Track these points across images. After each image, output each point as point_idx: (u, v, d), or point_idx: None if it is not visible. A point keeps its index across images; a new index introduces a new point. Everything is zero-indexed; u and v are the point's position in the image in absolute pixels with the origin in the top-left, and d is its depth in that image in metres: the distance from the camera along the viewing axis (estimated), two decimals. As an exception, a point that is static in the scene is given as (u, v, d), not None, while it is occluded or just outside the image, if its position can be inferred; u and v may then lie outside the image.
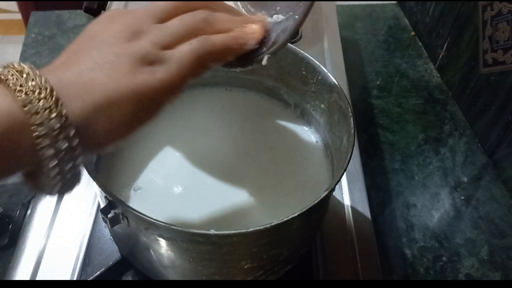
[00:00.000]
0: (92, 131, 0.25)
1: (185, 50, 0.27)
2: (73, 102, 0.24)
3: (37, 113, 0.22)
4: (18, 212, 0.48)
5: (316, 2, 0.77)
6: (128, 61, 0.26)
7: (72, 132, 0.23)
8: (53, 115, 0.23)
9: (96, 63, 0.25)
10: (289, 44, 0.44)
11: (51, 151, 0.23)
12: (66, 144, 0.23)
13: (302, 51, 0.44)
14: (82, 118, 0.24)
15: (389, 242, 0.54)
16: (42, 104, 0.22)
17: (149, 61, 0.26)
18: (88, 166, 0.32)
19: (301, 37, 0.69)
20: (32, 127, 0.22)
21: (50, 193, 0.26)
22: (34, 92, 0.23)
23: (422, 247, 0.53)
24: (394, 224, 0.55)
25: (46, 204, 0.48)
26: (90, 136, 0.25)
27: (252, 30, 0.31)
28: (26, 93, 0.22)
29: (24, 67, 0.24)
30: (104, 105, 0.25)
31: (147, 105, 0.26)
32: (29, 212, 0.48)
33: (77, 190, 0.49)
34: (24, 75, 0.23)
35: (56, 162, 0.24)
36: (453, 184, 0.60)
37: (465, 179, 0.61)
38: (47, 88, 0.23)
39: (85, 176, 0.32)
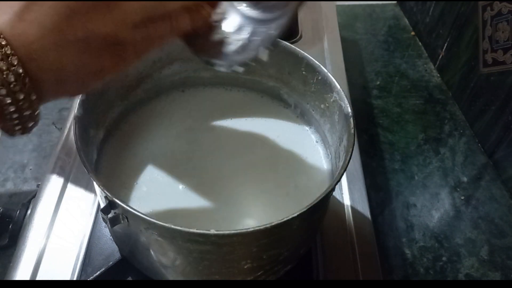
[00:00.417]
0: (42, 60, 0.24)
1: (152, 35, 0.27)
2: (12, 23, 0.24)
3: None
4: (18, 212, 0.48)
5: (316, 2, 0.77)
6: (95, 39, 0.25)
7: (15, 61, 0.23)
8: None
9: (62, 34, 0.25)
10: (289, 44, 0.44)
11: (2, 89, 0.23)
12: (13, 78, 0.23)
13: (302, 51, 0.44)
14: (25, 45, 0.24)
15: (389, 242, 0.54)
16: None
17: None
18: (88, 166, 0.32)
19: (301, 37, 0.69)
20: None
21: (11, 133, 0.26)
22: None
23: (422, 247, 0.53)
24: (394, 224, 0.55)
25: (46, 204, 0.48)
26: (43, 68, 0.25)
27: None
28: None
29: None
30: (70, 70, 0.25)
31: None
32: (29, 212, 0.48)
33: (77, 190, 0.50)
34: None
35: (7, 97, 0.24)
36: (453, 184, 0.60)
37: (465, 179, 0.61)
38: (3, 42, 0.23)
39: (85, 176, 0.32)
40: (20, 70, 0.23)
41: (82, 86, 0.27)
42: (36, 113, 0.26)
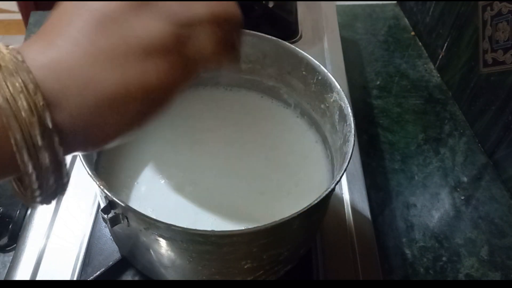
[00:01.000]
0: (88, 131, 0.21)
1: (206, 38, 0.23)
2: (70, 99, 0.19)
3: (15, 116, 0.18)
4: (18, 212, 0.48)
5: (316, 2, 0.77)
6: (137, 48, 0.21)
7: (56, 140, 0.19)
8: (34, 119, 0.18)
9: (97, 47, 0.20)
10: (289, 44, 0.44)
11: (29, 165, 0.19)
12: (47, 155, 0.19)
13: (302, 51, 0.44)
14: (78, 118, 0.20)
15: (389, 242, 0.54)
16: (22, 104, 0.18)
17: (163, 46, 0.21)
18: (88, 166, 0.32)
19: (301, 37, 0.69)
20: (9, 132, 0.18)
21: (29, 204, 0.22)
22: (12, 94, 0.18)
23: (422, 247, 0.53)
24: (394, 224, 0.55)
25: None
26: (84, 136, 0.21)
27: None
28: (2, 95, 0.18)
29: (4, 56, 0.19)
30: (108, 103, 0.20)
31: (158, 98, 0.23)
32: (29, 212, 0.48)
33: (77, 190, 0.50)
34: (3, 71, 0.18)
35: (35, 174, 0.20)
36: (453, 184, 0.60)
37: (465, 179, 0.61)
38: (30, 86, 0.19)
39: (85, 176, 0.32)
40: (47, 115, 0.19)
41: (132, 118, 0.22)
42: (59, 157, 0.20)
